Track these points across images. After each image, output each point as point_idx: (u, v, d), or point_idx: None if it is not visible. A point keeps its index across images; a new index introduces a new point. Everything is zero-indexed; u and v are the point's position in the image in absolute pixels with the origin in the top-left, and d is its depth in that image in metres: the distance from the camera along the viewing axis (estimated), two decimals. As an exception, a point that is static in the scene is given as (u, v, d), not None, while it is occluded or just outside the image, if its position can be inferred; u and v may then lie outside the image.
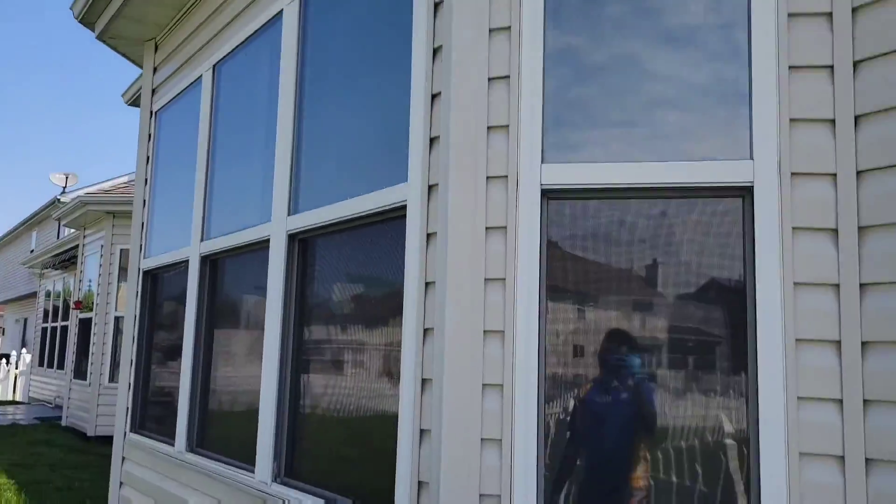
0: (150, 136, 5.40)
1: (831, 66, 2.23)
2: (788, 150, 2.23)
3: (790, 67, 2.26)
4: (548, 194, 2.39)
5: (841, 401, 2.12)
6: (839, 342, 2.14)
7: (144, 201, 5.27)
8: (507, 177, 2.40)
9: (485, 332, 2.36)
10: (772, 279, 2.19)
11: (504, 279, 2.37)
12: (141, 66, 5.91)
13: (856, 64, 2.21)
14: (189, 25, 4.86)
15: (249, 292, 3.82)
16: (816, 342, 2.16)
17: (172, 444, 4.26)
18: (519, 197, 2.38)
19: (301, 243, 3.37)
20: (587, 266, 2.38)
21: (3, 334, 32.57)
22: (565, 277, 2.39)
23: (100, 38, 5.54)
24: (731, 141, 2.29)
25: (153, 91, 5.49)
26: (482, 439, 2.32)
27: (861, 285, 2.14)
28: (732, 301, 2.27)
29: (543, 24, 2.44)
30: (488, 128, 2.44)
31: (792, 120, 2.24)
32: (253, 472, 3.37)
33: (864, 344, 2.12)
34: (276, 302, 3.37)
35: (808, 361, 2.16)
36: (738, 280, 2.26)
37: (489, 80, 2.46)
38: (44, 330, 19.23)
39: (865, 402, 2.10)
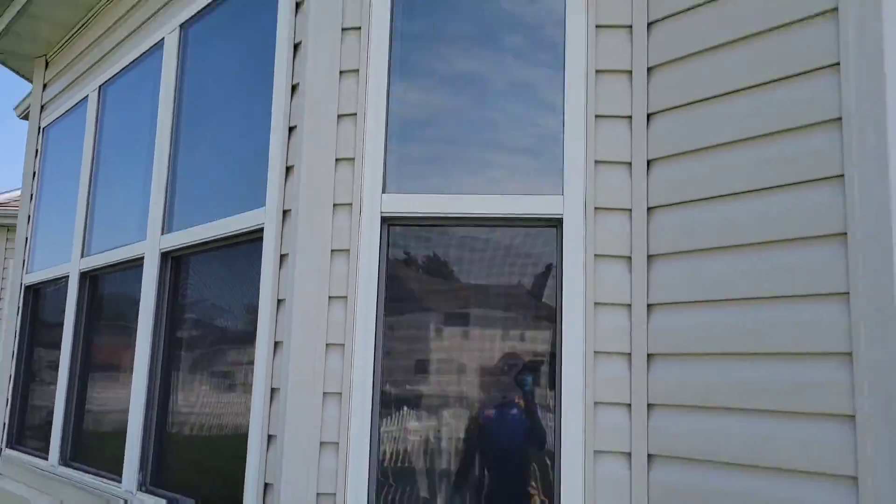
0: (37, 151, 5.43)
1: (630, 116, 2.59)
2: (593, 187, 2.57)
3: (596, 116, 2.60)
4: (387, 221, 2.66)
5: (629, 405, 2.45)
6: (630, 354, 2.48)
7: (29, 217, 5.29)
8: (351, 204, 2.66)
9: (327, 345, 2.60)
10: (577, 299, 2.51)
11: (346, 297, 2.61)
12: (31, 82, 5.93)
13: (649, 115, 2.57)
14: (79, 45, 4.95)
15: (126, 309, 3.94)
16: (613, 354, 2.50)
17: (47, 458, 4.31)
18: (361, 223, 2.64)
19: (174, 261, 3.54)
20: (422, 285, 2.66)
21: None
22: (401, 295, 2.65)
23: (-11, 52, 5.55)
24: (547, 178, 2.62)
25: (42, 107, 5.53)
26: (321, 443, 2.55)
27: (648, 306, 2.49)
28: (546, 317, 2.58)
29: (388, 69, 2.72)
30: (336, 160, 2.70)
31: (597, 161, 2.59)
32: (121, 482, 3.49)
33: (649, 356, 2.47)
34: (147, 318, 3.52)
35: (604, 372, 2.49)
36: (550, 298, 2.58)
37: (338, 116, 2.72)
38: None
39: (649, 405, 2.44)
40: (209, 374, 3.23)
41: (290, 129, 2.86)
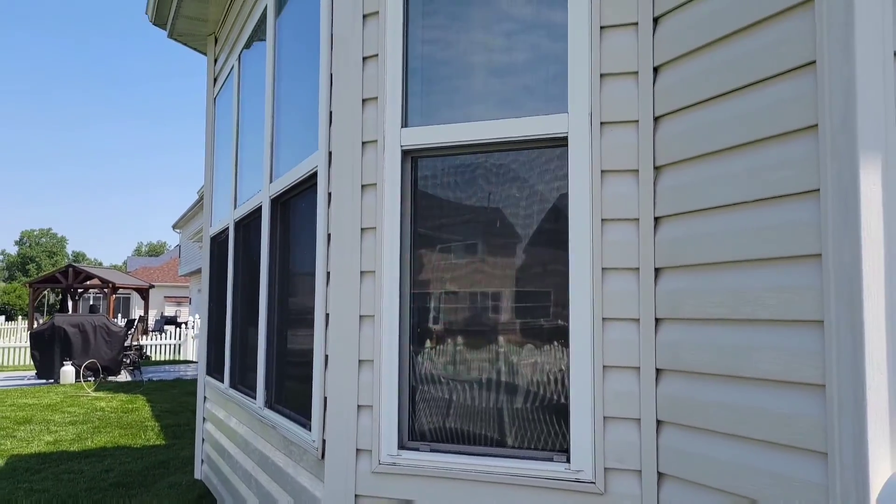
0: (213, 122, 6.19)
1: (636, 23, 2.47)
2: (599, 102, 2.50)
3: (601, 27, 2.51)
4: (410, 153, 2.80)
5: (638, 319, 2.41)
6: (638, 269, 2.43)
7: (211, 181, 6.08)
8: (376, 141, 2.84)
9: (361, 272, 2.83)
10: (583, 215, 2.49)
11: (375, 228, 2.81)
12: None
13: (656, 19, 2.44)
14: (230, 18, 5.54)
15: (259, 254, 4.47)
16: (621, 269, 2.46)
17: (223, 383, 5.05)
18: (385, 157, 2.81)
19: (282, 206, 3.96)
20: (443, 211, 2.77)
21: (190, 303, 36.34)
22: (424, 223, 2.79)
23: (170, 37, 6.38)
24: (553, 99, 2.59)
25: (215, 80, 6.26)
26: (360, 361, 2.80)
27: (656, 218, 2.41)
28: (558, 235, 2.59)
29: (404, 13, 2.83)
30: (363, 100, 2.88)
31: (602, 75, 2.51)
32: (255, 400, 4.05)
33: (657, 269, 2.40)
34: (265, 263, 3.99)
35: (612, 287, 2.46)
36: (562, 217, 2.57)
37: (363, 59, 2.89)
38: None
39: (657, 320, 2.39)
40: (301, 306, 3.61)
41: (330, 80, 3.08)
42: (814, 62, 1.91)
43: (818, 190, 1.88)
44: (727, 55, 2.18)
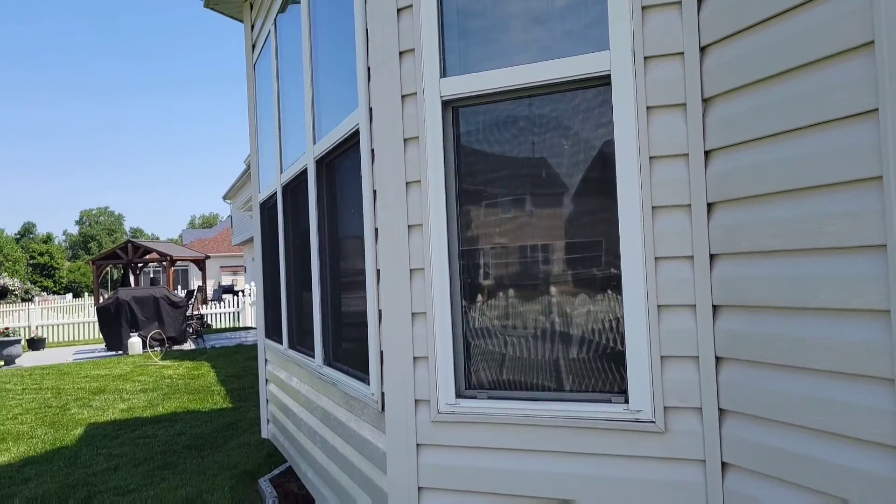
0: (255, 88, 6.21)
1: (676, -50, 2.37)
2: (641, 36, 2.43)
3: (639, -43, 2.43)
4: (450, 104, 2.77)
5: (691, 257, 2.37)
6: (689, 205, 2.38)
7: (256, 147, 6.13)
8: (416, 93, 2.81)
9: (409, 227, 2.83)
10: (630, 155, 2.44)
11: (420, 181, 2.81)
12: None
13: (696, -57, 2.34)
14: (262, -16, 5.51)
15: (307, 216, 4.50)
16: (672, 207, 2.41)
17: (282, 344, 5.16)
18: (425, 108, 2.78)
19: (327, 167, 3.98)
20: (486, 160, 2.75)
21: (245, 272, 37.16)
22: (469, 172, 2.77)
23: (207, 6, 6.39)
24: (593, 37, 2.52)
25: (253, 47, 6.26)
26: (413, 313, 2.82)
27: (706, 152, 2.35)
28: (604, 177, 2.54)
29: (434, -45, 2.77)
30: (400, 53, 2.85)
31: (644, 7, 2.43)
32: (314, 358, 4.13)
33: (709, 205, 2.34)
34: (314, 224, 4.03)
35: (663, 226, 2.42)
36: (609, 159, 2.52)
37: (398, 10, 2.85)
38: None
39: (712, 256, 2.34)
40: (352, 263, 3.64)
41: (366, 35, 3.05)
42: (868, -26, 1.82)
43: (877, 109, 1.80)
44: (774, -25, 2.08)
